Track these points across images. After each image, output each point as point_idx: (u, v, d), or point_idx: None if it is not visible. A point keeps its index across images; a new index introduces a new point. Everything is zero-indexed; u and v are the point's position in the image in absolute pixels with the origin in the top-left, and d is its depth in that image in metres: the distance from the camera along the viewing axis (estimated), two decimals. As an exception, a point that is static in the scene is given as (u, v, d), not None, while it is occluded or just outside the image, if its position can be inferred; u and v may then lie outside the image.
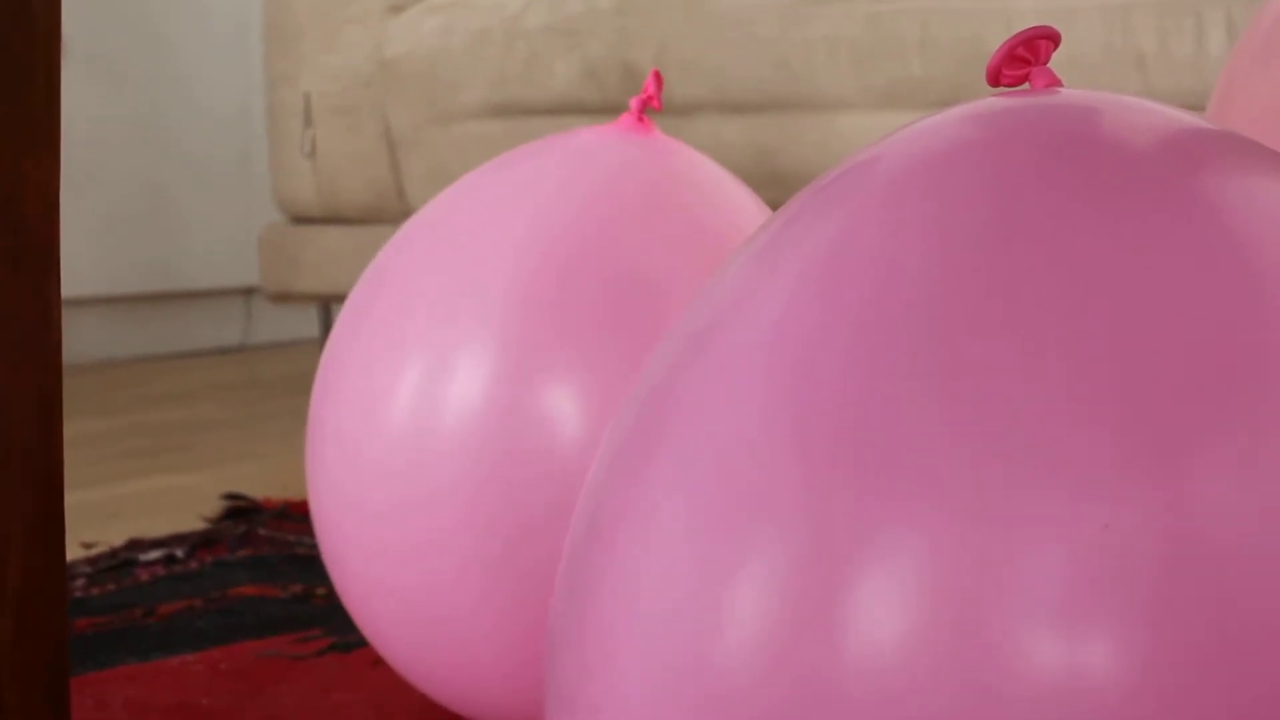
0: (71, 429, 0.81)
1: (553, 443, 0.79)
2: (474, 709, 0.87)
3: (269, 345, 3.25)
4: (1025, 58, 0.51)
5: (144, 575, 1.34)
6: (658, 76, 0.90)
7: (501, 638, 0.81)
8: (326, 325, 2.39)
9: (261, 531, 1.49)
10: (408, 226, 0.89)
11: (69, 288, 0.81)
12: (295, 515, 1.54)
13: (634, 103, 0.89)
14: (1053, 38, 0.51)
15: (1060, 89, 0.51)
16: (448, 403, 0.81)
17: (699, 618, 0.45)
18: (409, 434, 0.81)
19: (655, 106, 0.90)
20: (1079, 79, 1.79)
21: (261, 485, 1.70)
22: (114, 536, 1.48)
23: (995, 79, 0.51)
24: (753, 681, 0.43)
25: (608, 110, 1.94)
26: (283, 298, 2.32)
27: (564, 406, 0.80)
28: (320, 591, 1.25)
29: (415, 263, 0.86)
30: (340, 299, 2.18)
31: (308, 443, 0.89)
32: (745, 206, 0.88)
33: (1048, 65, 0.52)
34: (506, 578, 0.80)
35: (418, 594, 0.83)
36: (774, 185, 1.92)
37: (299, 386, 2.25)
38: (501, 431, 0.80)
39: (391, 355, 0.83)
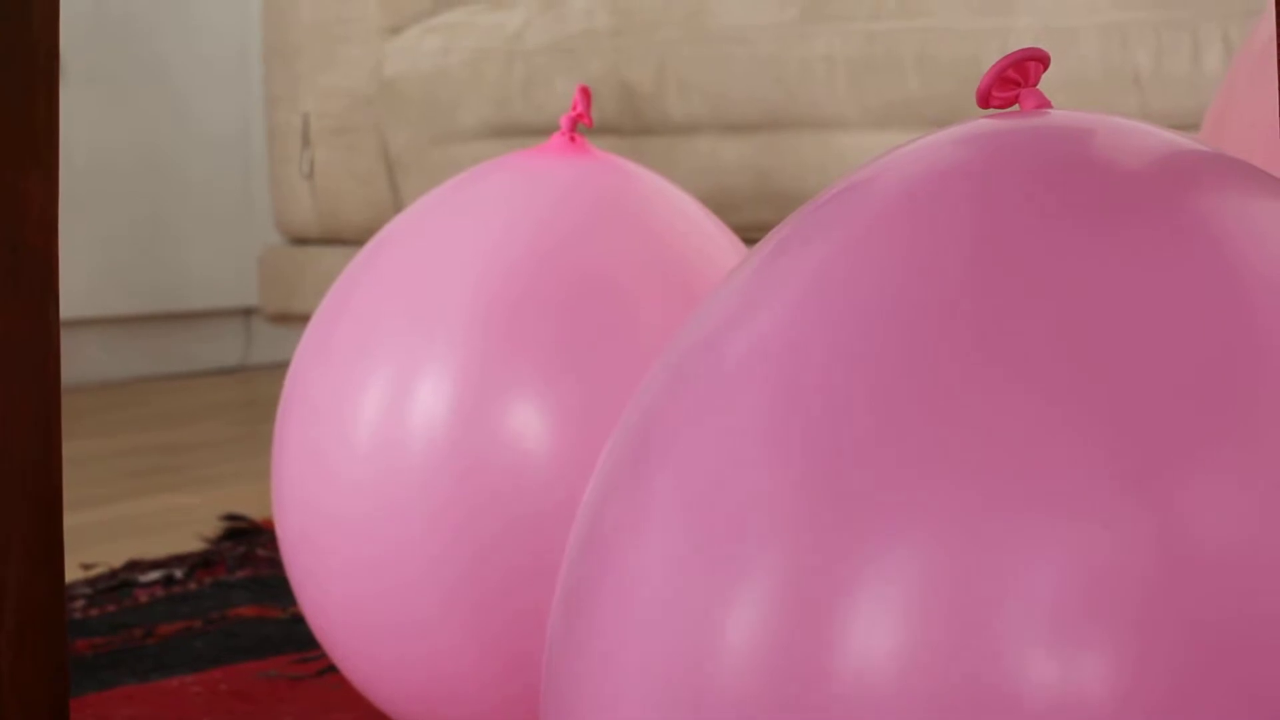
0: (71, 449, 0.81)
1: (516, 457, 0.80)
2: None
3: (268, 366, 3.25)
4: (1015, 79, 0.52)
5: (143, 596, 1.34)
6: (585, 92, 0.91)
7: (464, 654, 0.82)
8: (326, 345, 2.39)
9: (261, 552, 1.49)
10: (370, 246, 0.90)
11: (68, 308, 0.81)
12: (295, 535, 1.54)
13: (564, 120, 0.90)
14: (1042, 59, 0.52)
15: (1049, 110, 0.52)
16: (412, 418, 0.81)
17: (695, 630, 0.45)
18: (373, 449, 0.82)
19: (586, 123, 0.90)
20: (1076, 98, 1.80)
21: (261, 506, 1.70)
22: (113, 557, 1.48)
23: (985, 101, 0.52)
24: (747, 695, 0.44)
25: (606, 130, 1.94)
26: (282, 318, 2.33)
27: (527, 420, 0.81)
28: (319, 611, 1.25)
29: (376, 282, 0.87)
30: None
31: (273, 459, 0.89)
32: (696, 218, 0.89)
33: (1037, 86, 0.52)
34: (469, 593, 0.81)
35: (380, 608, 0.83)
36: (772, 204, 1.92)
37: (299, 407, 2.25)
38: (465, 446, 0.80)
39: (356, 372, 0.84)
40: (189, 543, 1.55)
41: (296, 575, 0.88)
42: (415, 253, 0.86)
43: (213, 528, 1.61)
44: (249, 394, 2.89)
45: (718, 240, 0.89)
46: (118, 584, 1.37)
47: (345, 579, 0.84)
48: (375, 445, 0.82)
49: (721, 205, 1.72)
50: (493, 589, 0.80)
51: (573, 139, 0.90)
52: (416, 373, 0.82)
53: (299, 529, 0.87)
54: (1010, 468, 0.43)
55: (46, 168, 0.71)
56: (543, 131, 2.04)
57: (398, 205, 2.16)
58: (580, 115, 0.90)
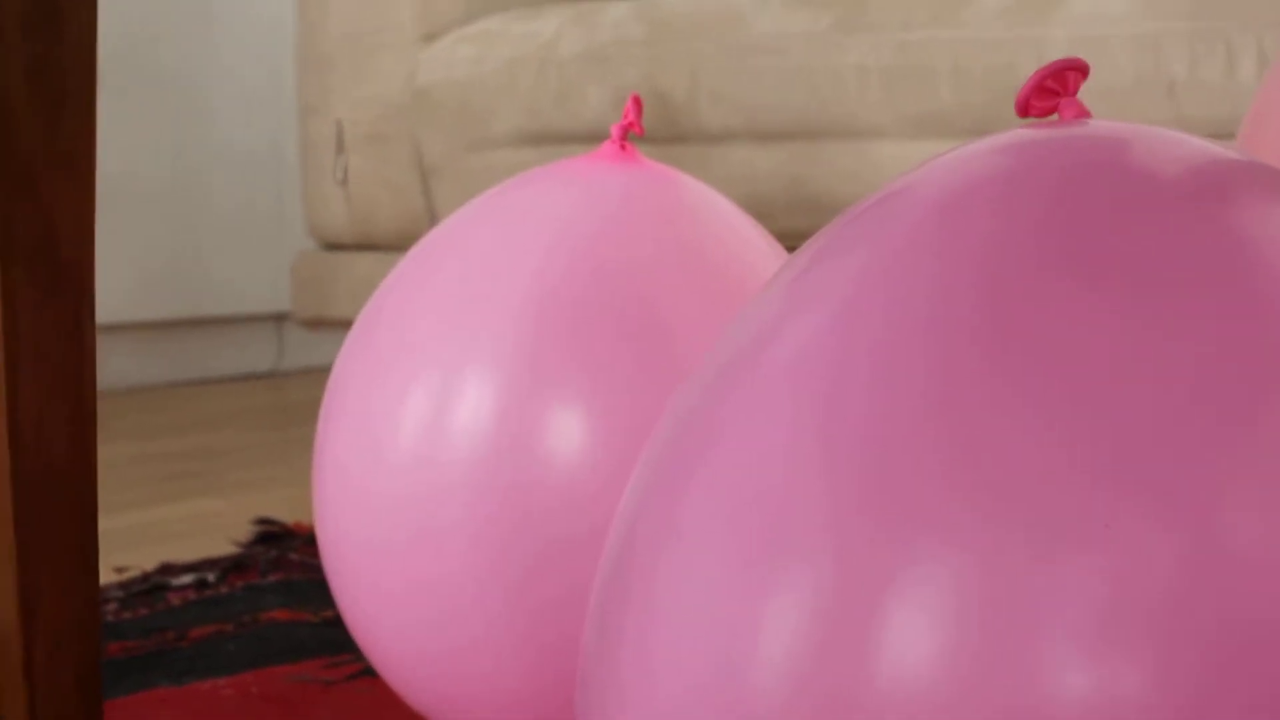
0: (104, 454, 0.82)
1: (560, 474, 0.79)
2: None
3: (300, 371, 3.26)
4: (1054, 89, 0.52)
5: (176, 599, 1.35)
6: (637, 101, 0.90)
7: (510, 673, 0.81)
8: (358, 351, 2.39)
9: (293, 556, 1.49)
10: (410, 255, 0.89)
11: (101, 314, 0.82)
12: (326, 541, 1.54)
13: (615, 129, 0.89)
14: (1081, 69, 0.51)
15: (1088, 120, 0.52)
16: (453, 434, 0.80)
17: (732, 640, 0.45)
18: (413, 465, 0.81)
19: (637, 132, 0.90)
20: (1110, 108, 1.79)
21: (293, 510, 1.71)
22: (146, 561, 1.48)
23: (1024, 110, 0.52)
24: (782, 704, 0.44)
25: (640, 140, 1.94)
26: (315, 324, 2.33)
27: (571, 437, 0.79)
28: (351, 617, 1.26)
29: (418, 292, 0.85)
30: (372, 325, 2.18)
31: (314, 472, 0.89)
32: (743, 231, 0.88)
33: (1076, 96, 0.52)
34: (515, 613, 0.79)
35: (425, 630, 0.82)
36: (806, 213, 1.92)
37: (330, 412, 2.25)
38: (509, 462, 0.79)
39: (395, 385, 0.83)
40: (221, 546, 1.56)
41: (337, 589, 0.88)
42: (458, 261, 0.85)
43: (244, 532, 1.62)
44: (281, 399, 2.90)
45: (762, 250, 0.88)
46: (150, 587, 1.38)
47: (387, 598, 0.83)
48: (415, 462, 0.81)
49: (756, 214, 1.71)
50: (538, 608, 0.79)
51: (623, 147, 0.90)
52: (457, 387, 0.81)
53: (337, 548, 0.86)
54: (1047, 480, 0.43)
55: (82, 177, 0.71)
56: (576, 139, 2.04)
57: (431, 212, 2.16)
58: (632, 124, 0.90)
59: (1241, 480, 0.42)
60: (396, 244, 2.21)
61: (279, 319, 3.24)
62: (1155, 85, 1.83)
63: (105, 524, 0.83)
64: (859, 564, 0.43)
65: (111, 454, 2.12)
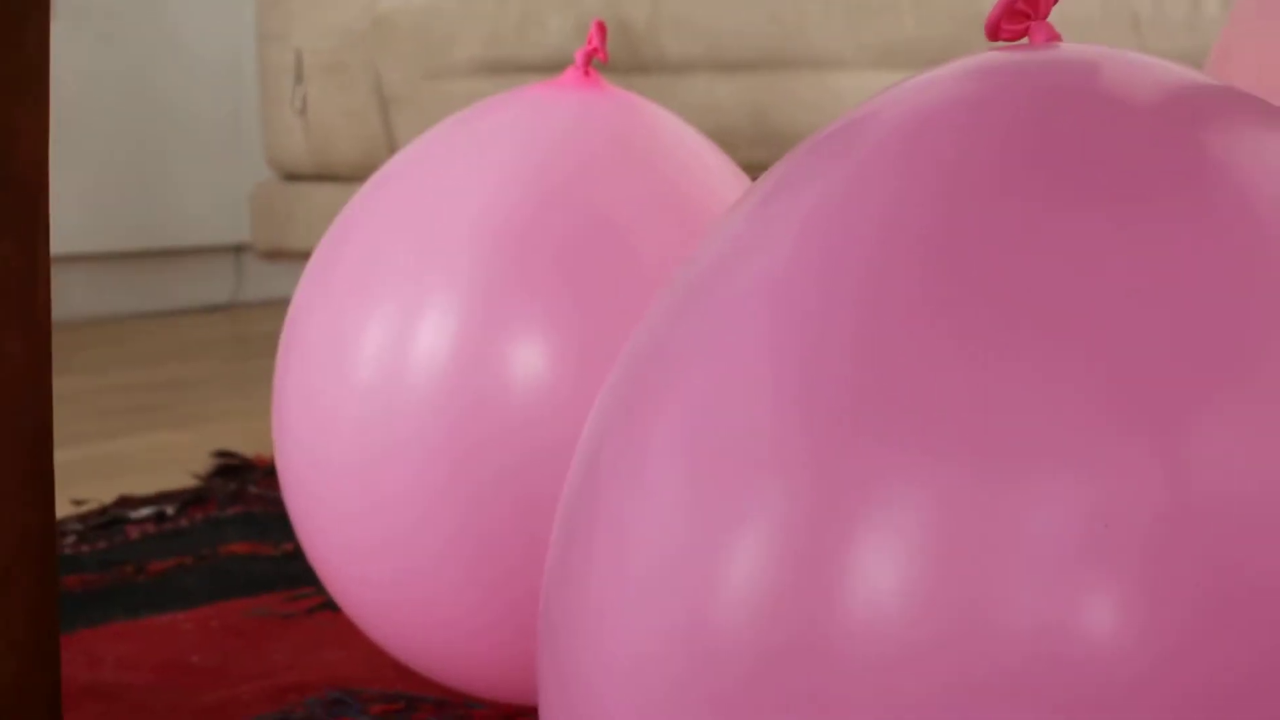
0: (61, 386, 0.81)
1: (518, 394, 0.79)
2: (439, 669, 0.87)
3: (259, 303, 3.24)
4: (1025, 11, 0.51)
5: (134, 533, 1.34)
6: (601, 28, 0.89)
7: (464, 598, 0.81)
8: (318, 283, 2.38)
9: (252, 489, 1.49)
10: (372, 181, 0.89)
11: (57, 245, 0.81)
12: (286, 473, 1.54)
13: (579, 55, 0.89)
14: (1053, -8, 0.51)
15: (1060, 44, 0.51)
16: (413, 355, 0.80)
17: (695, 572, 0.44)
18: (374, 387, 0.81)
19: (602, 59, 0.89)
20: (1074, 39, 1.78)
21: (252, 443, 1.70)
22: (104, 494, 1.48)
23: (994, 34, 0.51)
24: (749, 637, 0.43)
25: (600, 67, 1.93)
26: (274, 255, 2.32)
27: (529, 358, 0.79)
28: (311, 549, 1.25)
29: (379, 219, 0.85)
30: (331, 257, 2.17)
31: (274, 398, 0.88)
32: (705, 156, 0.88)
33: (1047, 20, 0.51)
34: (471, 533, 0.80)
35: (381, 552, 0.83)
36: (768, 143, 1.91)
37: (290, 344, 2.24)
38: (467, 384, 0.79)
39: (356, 310, 0.83)
40: (180, 479, 1.55)
41: (296, 514, 0.88)
42: (418, 188, 0.85)
43: (204, 464, 1.61)
44: (240, 331, 2.88)
45: (726, 178, 0.88)
46: (108, 520, 1.37)
47: (345, 519, 0.83)
48: (375, 384, 0.81)
49: (718, 144, 1.71)
50: (494, 528, 0.80)
51: (586, 73, 0.89)
52: (418, 310, 0.81)
53: (297, 471, 0.86)
54: (1011, 409, 0.42)
55: (37, 101, 0.70)
56: (536, 68, 2.02)
57: (390, 141, 2.14)
58: (595, 50, 0.89)
59: (1218, 406, 0.42)
60: (356, 174, 2.19)
61: (238, 250, 3.22)
62: (1120, 19, 1.82)
63: (62, 456, 0.82)
64: (822, 491, 0.43)
65: (69, 387, 2.11)
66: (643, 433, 0.48)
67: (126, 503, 1.43)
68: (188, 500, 1.44)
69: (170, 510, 1.40)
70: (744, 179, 0.89)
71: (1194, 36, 1.80)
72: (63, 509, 1.40)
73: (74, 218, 2.85)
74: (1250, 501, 0.41)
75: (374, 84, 2.14)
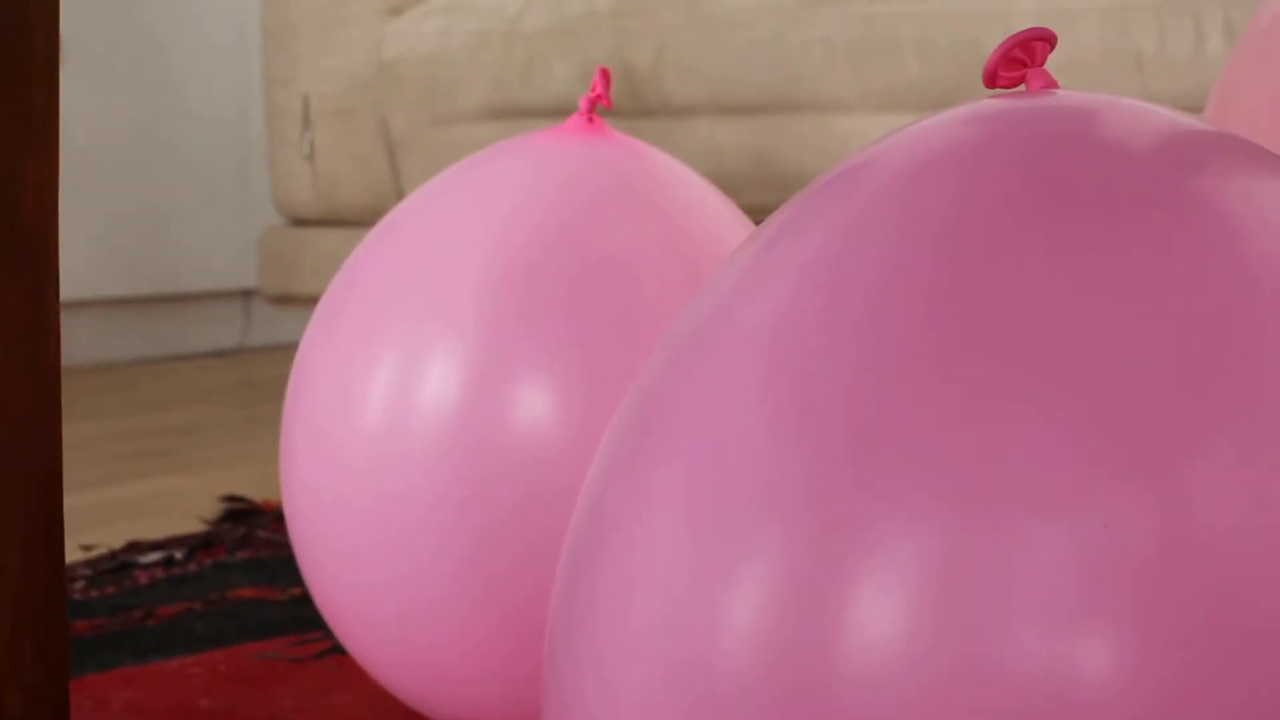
0: (69, 431, 0.81)
1: (523, 438, 0.80)
2: (445, 710, 0.87)
3: (267, 348, 3.25)
4: (1021, 59, 0.52)
5: (143, 578, 1.34)
6: (605, 74, 0.90)
7: (469, 635, 0.82)
8: (325, 328, 2.38)
9: (260, 534, 1.49)
10: (380, 226, 0.90)
11: (65, 290, 0.81)
12: (294, 517, 1.54)
13: (583, 102, 0.89)
14: (1049, 39, 0.51)
15: (1056, 90, 0.52)
16: (419, 399, 0.81)
17: (697, 615, 0.45)
18: (381, 431, 0.82)
19: (605, 105, 0.89)
20: (1077, 81, 1.79)
21: (260, 487, 1.70)
22: (113, 539, 1.48)
23: (992, 81, 0.51)
24: (751, 680, 0.44)
25: (604, 112, 1.94)
26: (282, 300, 2.32)
27: (534, 401, 0.80)
28: (319, 593, 1.25)
29: (386, 264, 0.86)
30: (339, 301, 2.17)
31: (282, 441, 0.89)
32: (709, 201, 0.89)
33: (1044, 67, 0.52)
34: (476, 575, 0.80)
35: (388, 591, 0.83)
36: (772, 187, 1.92)
37: (298, 389, 2.24)
38: (472, 427, 0.80)
39: (364, 353, 0.83)
40: (188, 524, 1.55)
41: (304, 558, 0.88)
42: (425, 233, 0.86)
43: (212, 509, 1.61)
44: (247, 376, 2.89)
45: (729, 222, 0.88)
46: (117, 565, 1.37)
47: (352, 561, 0.84)
48: (382, 427, 0.82)
49: (721, 187, 1.71)
50: (500, 570, 0.80)
51: (590, 120, 0.89)
52: (424, 354, 0.82)
53: (304, 513, 0.86)
54: (1009, 454, 0.43)
55: (46, 151, 0.71)
56: (542, 113, 2.03)
57: (397, 186, 2.15)
58: (599, 96, 0.89)
59: (1213, 447, 0.42)
60: (363, 219, 2.20)
61: (246, 295, 3.23)
62: (1123, 59, 1.83)
63: (72, 502, 0.83)
64: (822, 537, 0.43)
65: (78, 432, 2.11)
66: (645, 476, 0.48)
67: (135, 548, 1.43)
68: (196, 545, 1.44)
69: (179, 555, 1.40)
70: (747, 223, 0.90)
71: (1197, 77, 1.81)
72: (72, 554, 1.40)
73: (83, 264, 2.86)
74: (1244, 540, 0.41)
75: (381, 129, 2.15)
